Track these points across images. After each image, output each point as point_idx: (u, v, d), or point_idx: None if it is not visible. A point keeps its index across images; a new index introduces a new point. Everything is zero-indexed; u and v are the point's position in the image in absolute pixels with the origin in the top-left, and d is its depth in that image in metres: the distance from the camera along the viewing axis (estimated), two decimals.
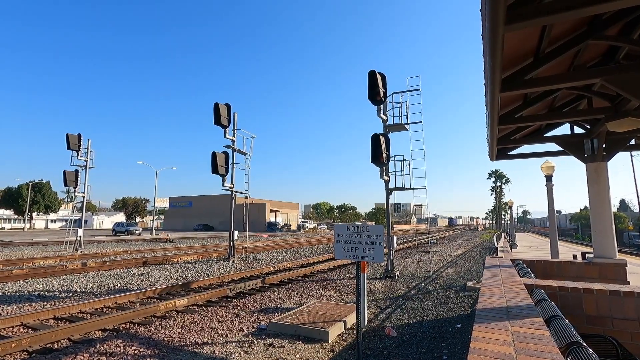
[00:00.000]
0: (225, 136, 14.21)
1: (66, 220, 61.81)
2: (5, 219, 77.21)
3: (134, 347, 4.82)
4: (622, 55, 5.27)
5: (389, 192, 11.07)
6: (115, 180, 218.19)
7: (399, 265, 13.69)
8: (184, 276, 11.29)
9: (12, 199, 65.17)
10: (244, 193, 15.17)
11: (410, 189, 11.24)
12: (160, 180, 52.79)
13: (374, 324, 6.00)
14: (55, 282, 9.67)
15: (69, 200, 77.38)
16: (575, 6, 2.97)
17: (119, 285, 9.64)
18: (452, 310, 6.88)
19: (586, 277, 6.43)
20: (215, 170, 13.50)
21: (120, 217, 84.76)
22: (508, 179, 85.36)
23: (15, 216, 72.34)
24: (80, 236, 19.46)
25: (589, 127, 7.13)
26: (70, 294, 8.48)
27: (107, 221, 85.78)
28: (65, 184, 18.74)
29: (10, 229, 72.07)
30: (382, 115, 10.93)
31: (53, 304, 7.57)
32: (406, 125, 11.29)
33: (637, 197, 30.09)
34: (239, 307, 7.13)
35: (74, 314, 6.72)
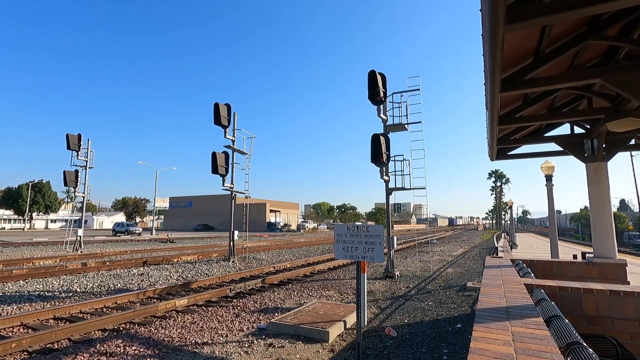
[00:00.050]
0: (225, 136, 14.21)
1: (66, 221, 61.84)
2: (5, 219, 77.22)
3: (134, 347, 4.82)
4: (622, 55, 5.27)
5: (389, 192, 11.07)
6: (115, 180, 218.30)
7: (399, 265, 13.69)
8: (184, 276, 11.29)
9: (12, 199, 65.17)
10: (244, 193, 15.17)
11: (410, 189, 11.25)
12: (160, 180, 52.82)
13: (374, 324, 6.00)
14: (55, 282, 9.67)
15: (69, 200, 77.40)
16: (575, 6, 2.97)
17: (119, 285, 9.64)
18: (452, 310, 6.88)
19: (586, 277, 6.43)
20: (215, 170, 13.50)
21: (120, 217, 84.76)
22: (508, 179, 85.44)
23: (15, 216, 72.34)
24: (80, 236, 19.46)
25: (589, 127, 7.13)
26: (70, 294, 8.48)
27: (107, 221, 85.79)
28: (65, 184, 18.74)
29: (10, 229, 72.09)
30: (382, 115, 10.93)
31: (53, 304, 7.57)
32: (406, 125, 11.29)
33: (637, 197, 30.10)
34: (239, 307, 7.13)
35: (74, 314, 6.72)
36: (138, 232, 41.28)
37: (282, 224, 67.68)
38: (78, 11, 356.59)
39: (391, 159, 10.62)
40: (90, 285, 9.53)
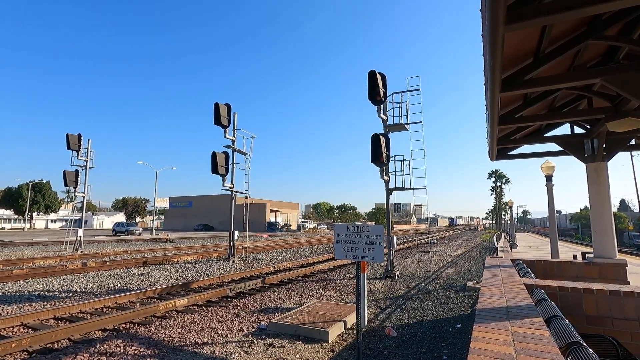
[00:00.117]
0: (225, 136, 14.21)
1: (66, 220, 61.83)
2: (5, 219, 77.23)
3: (134, 347, 4.82)
4: (622, 55, 5.26)
5: (389, 192, 11.07)
6: (115, 180, 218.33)
7: (399, 265, 13.69)
8: (184, 276, 11.29)
9: (12, 199, 65.17)
10: (244, 193, 15.17)
11: (410, 189, 11.24)
12: (160, 180, 52.82)
13: (374, 324, 6.00)
14: (55, 282, 9.67)
15: (69, 200, 77.38)
16: (575, 6, 2.97)
17: (119, 285, 9.64)
18: (452, 310, 6.88)
19: (586, 277, 6.43)
20: (215, 170, 13.50)
21: (121, 217, 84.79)
22: (508, 179, 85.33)
23: (16, 216, 72.34)
24: (80, 236, 19.46)
25: (589, 127, 7.13)
26: (71, 294, 8.49)
27: (107, 221, 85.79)
28: (66, 184, 18.73)
29: (11, 229, 72.09)
30: (382, 115, 10.93)
31: (53, 304, 7.57)
32: (406, 125, 11.29)
33: (637, 197, 30.10)
34: (239, 307, 7.13)
35: (74, 314, 6.73)
36: (138, 232, 41.29)
37: (282, 224, 67.67)
38: (78, 11, 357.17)
39: (391, 159, 10.62)
40: (91, 285, 9.53)
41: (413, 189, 11.25)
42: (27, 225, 68.60)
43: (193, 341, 5.06)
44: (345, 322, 5.62)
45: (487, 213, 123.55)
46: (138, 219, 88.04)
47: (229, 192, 14.66)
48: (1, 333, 5.60)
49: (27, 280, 9.89)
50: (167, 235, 35.31)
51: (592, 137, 6.97)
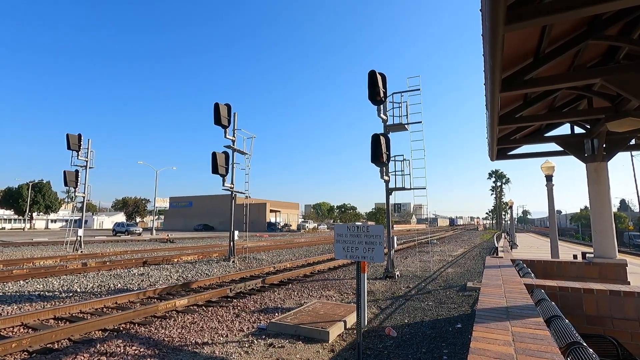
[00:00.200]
0: (225, 136, 14.21)
1: (66, 221, 61.84)
2: (5, 219, 77.23)
3: (134, 347, 4.82)
4: (622, 55, 5.27)
5: (389, 192, 11.07)
6: (116, 180, 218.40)
7: (399, 265, 13.69)
8: (184, 276, 11.29)
9: (13, 199, 65.18)
10: (244, 193, 15.17)
11: (410, 189, 11.24)
12: (160, 180, 52.83)
13: (374, 324, 6.00)
14: (55, 282, 9.68)
15: (69, 200, 77.38)
16: (575, 6, 2.97)
17: (119, 285, 9.65)
18: (452, 310, 6.88)
19: (586, 277, 6.43)
20: (215, 170, 13.50)
21: (121, 217, 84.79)
22: (508, 179, 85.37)
23: (16, 216, 72.36)
24: (80, 236, 19.46)
25: (589, 127, 7.13)
26: (71, 294, 8.49)
27: (108, 221, 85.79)
28: (66, 184, 18.75)
29: (11, 229, 72.10)
30: (382, 115, 10.93)
31: (53, 304, 7.57)
32: (406, 125, 11.29)
33: (638, 197, 30.09)
34: (239, 307, 7.13)
35: (74, 314, 6.73)
36: (138, 232, 41.29)
37: (282, 224, 67.68)
38: (78, 11, 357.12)
39: (391, 159, 10.62)
40: (91, 285, 9.53)
41: (413, 189, 11.25)
42: (27, 226, 68.61)
43: (193, 341, 5.06)
44: (345, 322, 5.62)
45: (487, 213, 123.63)
46: (138, 219, 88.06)
47: (229, 192, 14.66)
48: (1, 333, 5.60)
49: (27, 280, 9.90)
50: (167, 236, 35.32)
51: (592, 137, 6.97)
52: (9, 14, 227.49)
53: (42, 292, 8.57)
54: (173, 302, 7.21)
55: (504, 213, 79.65)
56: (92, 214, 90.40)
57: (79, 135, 19.51)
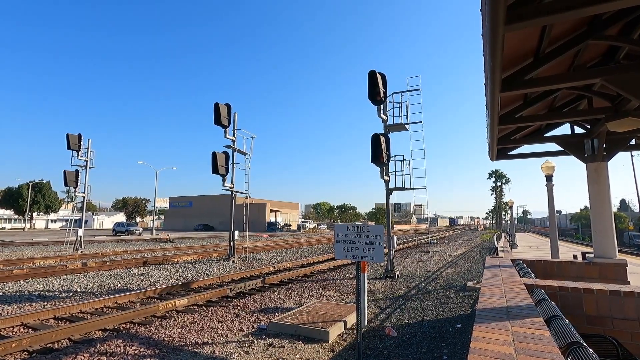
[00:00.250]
0: (225, 136, 14.21)
1: (66, 220, 61.84)
2: (5, 219, 77.23)
3: (134, 347, 4.82)
4: (622, 55, 5.27)
5: (389, 192, 11.07)
6: (116, 180, 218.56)
7: (399, 265, 13.69)
8: (184, 276, 11.29)
9: (13, 199, 65.19)
10: (244, 193, 15.17)
11: (410, 189, 11.24)
12: (160, 180, 52.84)
13: (374, 324, 6.01)
14: (55, 282, 9.68)
15: (69, 200, 77.42)
16: (575, 6, 2.97)
17: (119, 285, 9.65)
18: (452, 310, 6.88)
19: (586, 277, 6.43)
20: (215, 170, 13.50)
21: (121, 217, 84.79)
22: (508, 179, 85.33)
23: (16, 216, 72.35)
24: (80, 236, 19.46)
25: (589, 127, 7.13)
26: (71, 294, 8.49)
27: (108, 221, 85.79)
28: (66, 184, 18.74)
29: (11, 229, 72.10)
30: (382, 115, 10.93)
31: (53, 303, 7.58)
32: (406, 125, 11.28)
33: (638, 197, 30.08)
34: (239, 307, 7.13)
35: (74, 314, 6.73)
36: (138, 232, 41.29)
37: (282, 224, 67.66)
38: (78, 11, 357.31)
39: (391, 159, 10.62)
40: (91, 285, 9.53)
41: (413, 189, 11.25)
42: (27, 225, 68.61)
43: (193, 341, 5.06)
44: (345, 322, 5.62)
45: (487, 213, 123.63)
46: (138, 219, 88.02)
47: (229, 192, 14.66)
48: (1, 333, 5.60)
49: (27, 280, 9.90)
50: (167, 235, 35.32)
51: (592, 137, 6.97)
52: (9, 14, 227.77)
53: (42, 292, 8.57)
54: (173, 302, 7.21)
55: (504, 213, 79.62)
56: (92, 213, 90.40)
57: (79, 135, 19.51)
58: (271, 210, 69.67)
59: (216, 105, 13.61)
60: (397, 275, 10.82)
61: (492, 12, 2.82)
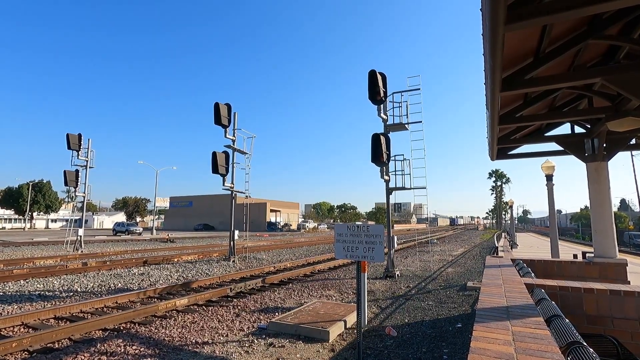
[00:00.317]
0: (225, 136, 14.21)
1: (67, 220, 61.80)
2: (5, 219, 77.24)
3: (134, 347, 4.82)
4: (623, 55, 5.26)
5: (389, 191, 11.07)
6: (116, 180, 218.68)
7: (399, 264, 13.69)
8: (184, 276, 11.30)
9: (13, 199, 65.22)
10: (244, 193, 15.17)
11: (410, 188, 11.24)
12: (160, 180, 52.90)
13: (374, 323, 6.01)
14: (55, 282, 9.68)
15: (69, 200, 77.42)
16: (575, 6, 2.97)
17: (119, 284, 9.65)
18: (452, 309, 6.88)
19: (587, 276, 6.42)
20: (215, 170, 13.50)
21: (121, 217, 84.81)
22: (508, 178, 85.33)
23: (16, 216, 72.39)
24: (80, 236, 19.46)
25: (589, 126, 7.13)
26: (71, 294, 8.49)
27: (108, 221, 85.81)
28: (66, 184, 18.75)
29: (11, 228, 72.11)
30: (382, 114, 10.92)
31: (54, 303, 7.58)
32: (406, 125, 11.28)
33: (638, 196, 30.07)
34: (239, 307, 7.13)
35: (74, 314, 6.73)
36: (138, 231, 41.31)
37: (282, 223, 67.68)
38: (78, 11, 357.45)
39: (391, 158, 10.61)
40: (91, 284, 9.54)
41: (413, 188, 11.25)
42: (28, 225, 68.61)
43: (193, 341, 5.07)
44: (345, 321, 5.63)
45: (487, 213, 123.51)
46: (138, 219, 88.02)
47: (229, 192, 14.66)
48: (2, 333, 5.61)
49: (27, 280, 9.90)
50: (168, 235, 35.32)
51: (592, 136, 6.97)
52: (9, 14, 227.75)
53: (42, 292, 8.58)
54: (173, 302, 7.22)
55: (504, 213, 79.64)
56: (93, 213, 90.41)
57: (79, 135, 19.52)
58: (271, 210, 69.66)
59: (216, 105, 13.61)
60: (397, 274, 10.82)
61: (492, 12, 2.82)
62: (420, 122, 11.36)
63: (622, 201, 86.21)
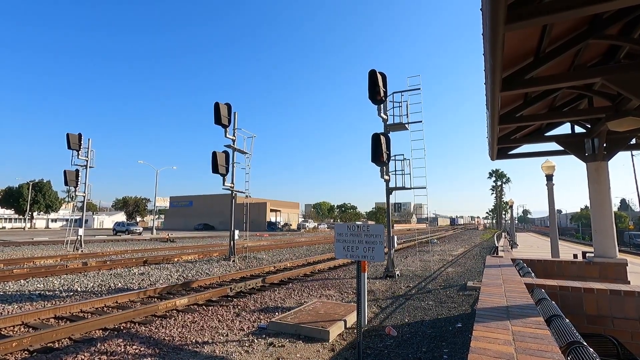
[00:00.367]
0: (225, 136, 14.22)
1: (67, 220, 61.78)
2: (6, 219, 77.28)
3: (134, 347, 4.83)
4: (623, 55, 5.26)
5: (389, 191, 11.07)
6: (116, 180, 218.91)
7: (399, 264, 13.70)
8: (184, 275, 11.30)
9: (13, 199, 65.24)
10: (244, 192, 15.17)
11: (410, 188, 11.24)
12: (160, 179, 52.89)
13: (374, 323, 6.01)
14: (56, 282, 9.69)
15: (69, 199, 77.40)
16: (576, 6, 2.97)
17: (119, 284, 9.66)
18: (452, 309, 6.88)
19: (587, 276, 6.42)
20: (215, 169, 13.50)
21: (121, 217, 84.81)
22: (508, 178, 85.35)
23: (16, 216, 72.42)
24: (80, 236, 19.48)
25: (589, 126, 7.13)
26: (71, 294, 8.50)
27: (108, 221, 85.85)
28: (66, 184, 18.77)
29: (11, 228, 72.15)
30: (382, 114, 10.92)
31: (54, 303, 7.58)
32: (406, 125, 11.28)
33: (638, 196, 30.06)
34: (239, 307, 7.13)
35: (74, 313, 6.74)
36: (138, 231, 41.32)
37: (282, 223, 67.69)
38: (78, 11, 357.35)
39: (391, 158, 10.61)
40: (91, 284, 9.54)
41: (413, 188, 11.25)
42: (28, 225, 68.62)
43: (193, 340, 5.07)
44: (345, 321, 5.63)
45: (487, 212, 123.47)
46: (138, 219, 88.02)
47: (230, 192, 14.66)
48: (2, 332, 5.61)
49: (27, 280, 9.91)
50: (168, 235, 35.33)
51: (592, 136, 6.97)
52: (9, 14, 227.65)
53: (42, 292, 8.58)
54: (173, 302, 7.22)
55: (504, 212, 79.63)
56: (93, 213, 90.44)
57: (79, 135, 19.53)
58: (271, 210, 69.67)
59: (216, 105, 13.61)
60: (397, 274, 10.82)
61: (492, 12, 2.82)
62: (421, 122, 11.36)
63: (622, 201, 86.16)
